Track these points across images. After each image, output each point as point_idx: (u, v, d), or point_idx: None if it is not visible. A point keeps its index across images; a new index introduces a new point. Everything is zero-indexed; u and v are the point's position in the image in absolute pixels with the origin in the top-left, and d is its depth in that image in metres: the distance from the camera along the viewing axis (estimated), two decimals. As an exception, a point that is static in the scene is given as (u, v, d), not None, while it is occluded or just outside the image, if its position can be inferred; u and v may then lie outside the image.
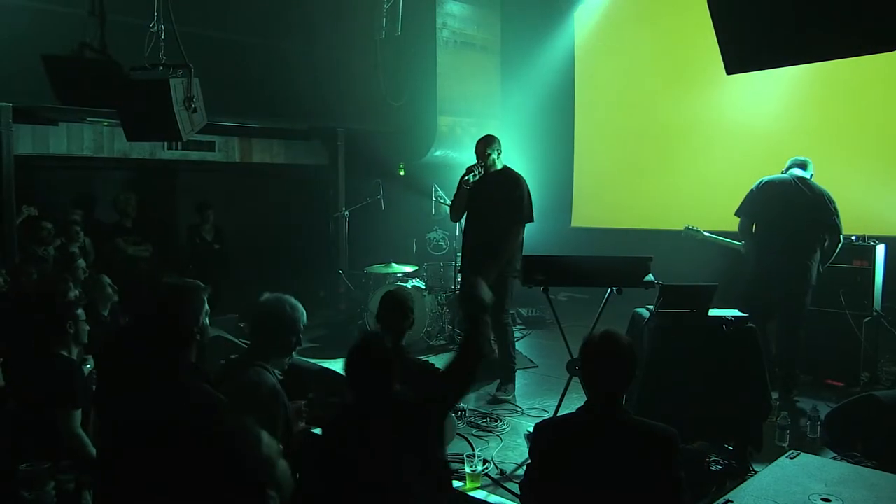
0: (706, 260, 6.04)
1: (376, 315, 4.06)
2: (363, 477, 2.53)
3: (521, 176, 5.53)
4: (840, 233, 5.31)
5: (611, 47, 8.91)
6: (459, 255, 6.17)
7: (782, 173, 5.53)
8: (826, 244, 5.33)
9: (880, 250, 5.68)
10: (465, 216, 5.66)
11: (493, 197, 5.41)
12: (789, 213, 5.30)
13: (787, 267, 5.27)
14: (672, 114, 8.18)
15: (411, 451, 2.59)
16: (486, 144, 5.46)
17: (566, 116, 9.20)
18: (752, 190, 5.51)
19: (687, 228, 6.04)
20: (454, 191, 5.65)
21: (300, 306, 3.08)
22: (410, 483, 2.56)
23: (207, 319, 2.72)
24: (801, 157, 5.55)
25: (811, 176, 5.48)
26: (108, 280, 5.23)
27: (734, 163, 7.56)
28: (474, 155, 5.52)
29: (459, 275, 6.29)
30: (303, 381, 4.20)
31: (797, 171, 5.45)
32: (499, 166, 5.52)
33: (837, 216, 5.29)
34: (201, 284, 2.77)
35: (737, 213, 5.56)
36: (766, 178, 5.51)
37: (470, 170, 5.40)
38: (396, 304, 3.96)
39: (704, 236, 5.96)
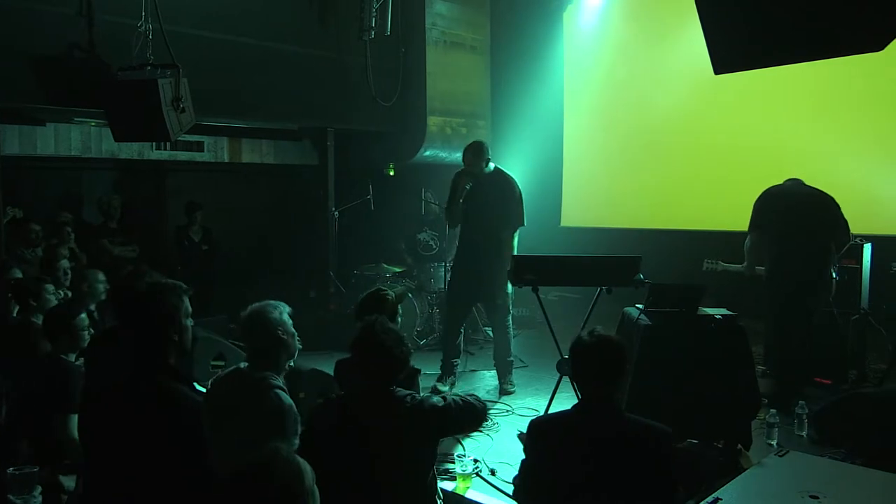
0: (695, 260, 6.06)
1: (356, 315, 3.44)
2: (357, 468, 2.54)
3: (513, 178, 5.64)
4: (848, 230, 5.21)
5: (600, 47, 8.93)
6: (453, 255, 6.22)
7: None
8: (836, 243, 5.24)
9: (867, 249, 5.73)
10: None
11: (490, 199, 5.52)
12: (801, 219, 5.20)
13: (805, 275, 5.15)
14: (662, 113, 8.20)
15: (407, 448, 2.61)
16: (474, 154, 5.52)
17: (555, 116, 9.21)
18: (757, 203, 5.37)
19: (706, 262, 5.90)
20: (444, 191, 5.66)
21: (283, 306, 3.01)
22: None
23: (189, 321, 2.61)
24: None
25: None
26: (101, 276, 5.01)
27: (723, 162, 7.60)
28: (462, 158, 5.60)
29: (450, 273, 6.31)
30: (293, 381, 4.18)
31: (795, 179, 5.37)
32: (491, 168, 5.60)
33: (842, 215, 5.20)
34: (182, 285, 2.66)
35: (750, 229, 5.39)
36: (770, 188, 5.38)
37: (463, 178, 5.52)
38: (376, 304, 3.46)
39: (725, 267, 5.81)
